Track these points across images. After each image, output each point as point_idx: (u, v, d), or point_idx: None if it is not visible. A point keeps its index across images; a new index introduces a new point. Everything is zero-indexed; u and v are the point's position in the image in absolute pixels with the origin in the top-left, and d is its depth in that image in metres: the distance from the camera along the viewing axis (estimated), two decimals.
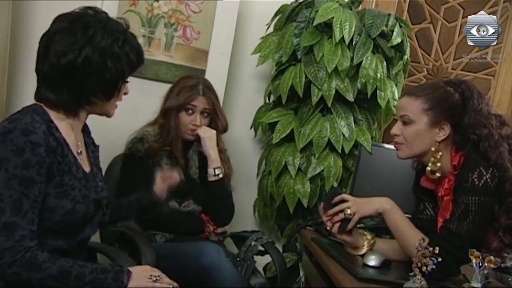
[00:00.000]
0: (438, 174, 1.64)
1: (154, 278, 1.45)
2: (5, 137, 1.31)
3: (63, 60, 1.38)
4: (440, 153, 1.63)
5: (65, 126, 1.44)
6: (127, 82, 1.50)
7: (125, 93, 1.52)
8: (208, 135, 2.12)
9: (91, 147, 1.60)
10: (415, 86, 1.96)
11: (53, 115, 1.42)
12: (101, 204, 1.53)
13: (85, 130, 1.59)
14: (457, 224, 1.52)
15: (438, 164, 1.63)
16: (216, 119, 2.16)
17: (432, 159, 1.63)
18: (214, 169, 2.13)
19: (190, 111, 2.11)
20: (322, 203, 1.75)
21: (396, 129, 1.68)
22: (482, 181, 1.52)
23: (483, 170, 1.52)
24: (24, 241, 1.30)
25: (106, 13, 1.48)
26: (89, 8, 1.46)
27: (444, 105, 1.63)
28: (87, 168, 1.51)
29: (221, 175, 2.14)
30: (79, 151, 1.49)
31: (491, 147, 1.55)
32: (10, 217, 1.29)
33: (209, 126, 2.16)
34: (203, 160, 2.17)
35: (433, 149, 1.63)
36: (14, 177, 1.29)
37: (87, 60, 1.38)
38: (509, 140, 1.62)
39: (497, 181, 1.52)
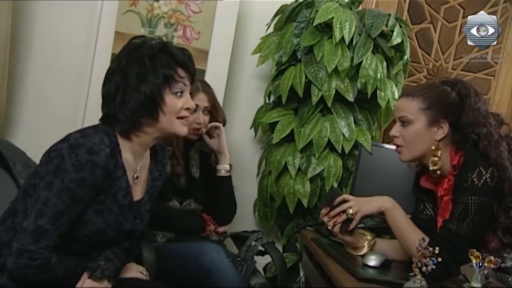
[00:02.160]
0: (438, 172, 1.64)
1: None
2: (72, 150, 1.35)
3: (103, 90, 1.47)
4: (440, 152, 1.63)
5: (127, 149, 1.47)
6: (178, 93, 1.48)
7: (188, 108, 1.50)
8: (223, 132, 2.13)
9: (155, 174, 1.60)
10: (412, 87, 1.96)
11: (119, 138, 1.45)
12: (131, 236, 1.54)
13: (157, 158, 1.61)
14: (457, 224, 1.52)
15: (440, 162, 1.63)
16: (216, 114, 2.15)
17: (433, 158, 1.63)
18: (229, 164, 2.14)
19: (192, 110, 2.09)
20: (322, 205, 1.75)
21: (395, 130, 1.67)
22: (482, 181, 1.52)
23: (482, 170, 1.52)
24: (45, 249, 1.33)
25: (144, 37, 1.51)
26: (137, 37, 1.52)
27: (442, 104, 1.63)
28: (137, 195, 1.53)
29: (230, 172, 2.14)
30: (135, 175, 1.51)
31: (491, 146, 1.55)
32: (47, 224, 1.32)
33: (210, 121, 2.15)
34: (204, 159, 2.17)
35: (433, 147, 1.63)
36: (66, 190, 1.33)
37: (117, 88, 1.43)
38: (508, 140, 1.62)
39: (496, 180, 1.52)
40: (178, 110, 1.48)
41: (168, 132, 1.50)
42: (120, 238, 1.49)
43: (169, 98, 1.46)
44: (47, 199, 1.33)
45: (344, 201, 1.69)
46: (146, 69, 1.42)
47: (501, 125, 1.64)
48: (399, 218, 1.65)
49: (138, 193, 1.53)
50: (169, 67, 1.45)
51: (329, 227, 1.71)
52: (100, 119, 1.49)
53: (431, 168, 1.64)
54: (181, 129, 1.50)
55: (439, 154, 1.63)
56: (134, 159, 1.50)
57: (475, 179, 1.52)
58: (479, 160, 1.54)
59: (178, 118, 1.49)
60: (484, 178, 1.52)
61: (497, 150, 1.54)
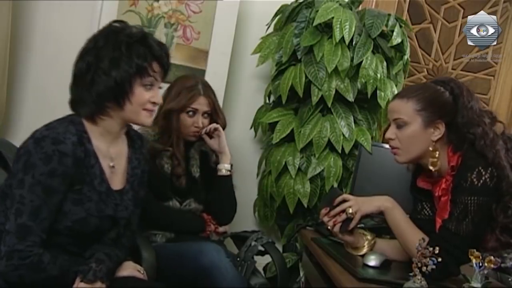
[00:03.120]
0: (436, 173, 1.64)
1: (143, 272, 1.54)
2: (38, 143, 1.35)
3: (75, 68, 1.46)
4: (438, 152, 1.62)
5: (96, 136, 1.45)
6: (148, 86, 1.47)
7: (154, 102, 1.49)
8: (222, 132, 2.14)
9: (134, 163, 1.59)
10: (405, 89, 1.95)
11: (87, 125, 1.44)
12: (117, 223, 1.53)
13: (134, 146, 1.60)
14: (456, 224, 1.52)
15: (439, 163, 1.62)
16: (216, 118, 2.16)
17: (431, 159, 1.63)
18: (230, 164, 2.14)
19: (191, 113, 2.10)
20: (322, 205, 1.75)
21: (390, 133, 1.66)
22: (481, 181, 1.51)
23: (482, 170, 1.52)
24: (34, 247, 1.32)
25: (125, 23, 1.50)
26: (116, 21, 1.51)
27: (436, 104, 1.62)
28: (117, 185, 1.52)
29: (231, 171, 2.15)
30: (111, 164, 1.50)
31: (487, 145, 1.54)
32: (27, 221, 1.32)
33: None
34: (204, 158, 2.17)
35: (430, 148, 1.62)
36: (38, 184, 1.33)
37: (88, 68, 1.42)
38: (504, 138, 1.62)
39: (495, 180, 1.52)
40: (144, 102, 1.47)
41: (132, 121, 1.51)
42: (104, 226, 1.48)
43: (138, 90, 1.45)
44: (21, 196, 1.32)
45: (344, 200, 1.69)
46: (121, 55, 1.41)
47: (495, 123, 1.63)
48: (399, 218, 1.64)
49: (119, 182, 1.52)
50: (144, 59, 1.44)
51: (329, 227, 1.71)
52: (69, 103, 1.48)
53: (431, 168, 1.63)
54: (146, 120, 1.50)
55: (437, 155, 1.62)
56: (107, 146, 1.49)
57: (474, 179, 1.51)
58: (478, 160, 1.54)
59: (143, 109, 1.48)
60: (483, 178, 1.51)
61: (493, 150, 1.54)
